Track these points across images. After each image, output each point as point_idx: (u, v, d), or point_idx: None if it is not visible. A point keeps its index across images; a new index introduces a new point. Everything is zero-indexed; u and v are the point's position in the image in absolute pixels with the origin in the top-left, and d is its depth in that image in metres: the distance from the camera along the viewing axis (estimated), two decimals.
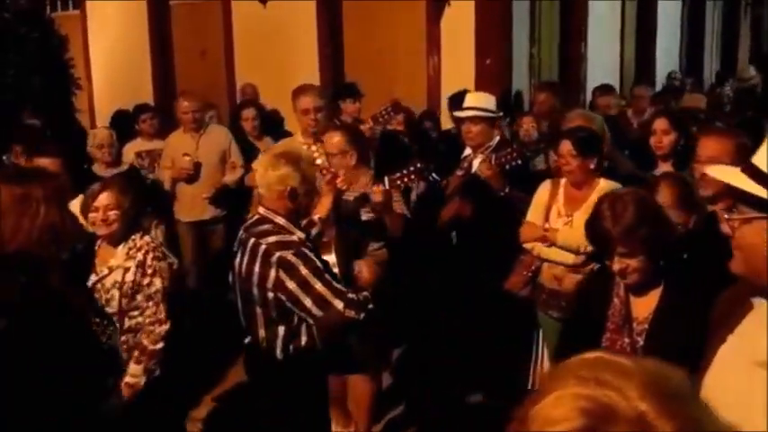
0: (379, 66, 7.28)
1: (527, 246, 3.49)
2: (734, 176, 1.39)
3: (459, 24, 6.72)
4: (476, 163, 3.92)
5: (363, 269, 2.99)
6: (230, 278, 2.86)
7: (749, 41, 14.57)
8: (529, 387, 4.11)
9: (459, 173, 4.03)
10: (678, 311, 2.06)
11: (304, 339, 2.72)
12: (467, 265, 4.05)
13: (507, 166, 3.70)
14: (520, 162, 3.74)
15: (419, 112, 6.35)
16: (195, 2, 8.75)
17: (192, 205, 5.12)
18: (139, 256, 2.94)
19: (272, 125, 5.99)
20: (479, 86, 6.47)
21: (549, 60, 7.96)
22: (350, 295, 2.64)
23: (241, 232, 2.81)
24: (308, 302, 2.57)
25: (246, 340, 2.84)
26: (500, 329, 4.23)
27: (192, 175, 5.04)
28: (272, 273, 2.57)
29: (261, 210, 2.72)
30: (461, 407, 4.09)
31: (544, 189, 3.55)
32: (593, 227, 2.13)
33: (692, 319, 1.91)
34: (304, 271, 2.57)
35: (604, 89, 6.78)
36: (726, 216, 1.44)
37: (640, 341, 2.12)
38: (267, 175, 2.66)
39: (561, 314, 3.37)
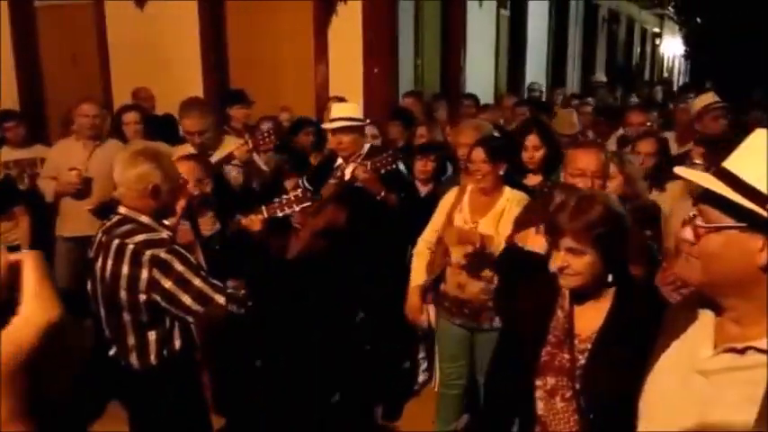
0: (265, 73, 7.20)
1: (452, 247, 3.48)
2: (708, 181, 1.33)
3: (346, 32, 6.79)
4: (348, 171, 3.93)
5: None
6: (89, 286, 2.66)
7: (605, 55, 15.80)
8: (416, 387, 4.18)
9: (333, 181, 4.02)
10: (624, 335, 1.92)
11: (178, 343, 2.61)
12: (346, 274, 3.98)
13: (383, 171, 3.76)
14: (395, 167, 3.81)
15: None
16: (64, 3, 8.23)
17: (78, 220, 4.77)
18: None
19: (165, 131, 5.70)
20: (367, 94, 6.59)
21: (431, 70, 8.21)
22: (229, 290, 2.58)
23: (99, 235, 2.63)
24: (187, 300, 2.46)
25: (111, 352, 2.64)
26: (388, 335, 4.23)
27: (80, 189, 4.66)
28: (145, 273, 2.44)
29: (122, 210, 2.59)
30: (347, 415, 4.07)
31: (449, 196, 3.59)
32: (552, 214, 2.01)
33: (640, 343, 1.80)
34: (180, 268, 2.46)
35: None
36: (697, 222, 1.35)
37: (582, 359, 1.99)
38: (126, 173, 2.55)
39: (464, 321, 3.45)
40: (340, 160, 4.10)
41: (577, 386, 1.96)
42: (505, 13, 10.10)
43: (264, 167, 4.59)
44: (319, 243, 3.96)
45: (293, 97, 6.87)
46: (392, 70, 6.88)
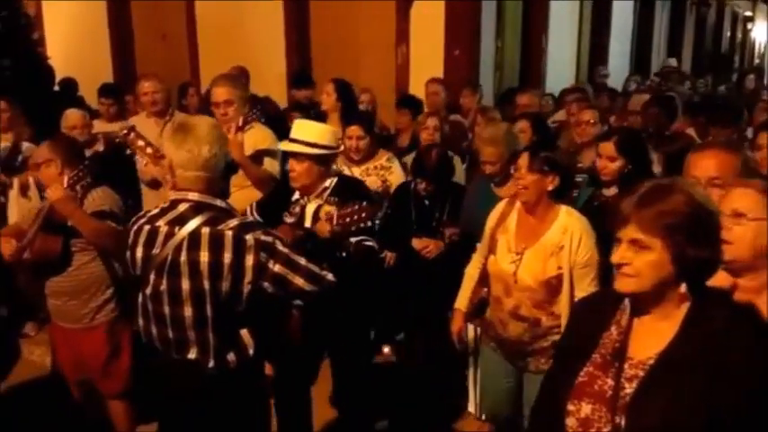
0: (347, 54, 7.30)
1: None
2: None
3: (428, 14, 6.80)
4: (309, 211, 3.04)
5: None
6: (152, 285, 2.30)
7: (693, 39, 15.20)
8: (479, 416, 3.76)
9: (289, 220, 3.14)
10: (692, 363, 1.52)
11: (262, 334, 2.41)
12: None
13: (353, 228, 2.77)
14: (369, 224, 2.82)
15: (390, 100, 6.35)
16: None
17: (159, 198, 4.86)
18: None
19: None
20: (447, 77, 6.58)
21: (512, 53, 8.14)
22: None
23: (163, 226, 2.30)
24: (299, 281, 2.30)
25: (192, 355, 2.34)
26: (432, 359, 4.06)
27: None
28: (251, 259, 2.23)
29: (191, 196, 2.29)
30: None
31: (495, 212, 3.04)
32: (620, 201, 1.63)
33: (713, 377, 1.47)
34: (284, 249, 2.30)
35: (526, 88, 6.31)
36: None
37: (628, 388, 1.58)
38: (213, 154, 2.27)
39: (507, 355, 3.02)
40: (298, 194, 3.20)
41: (619, 420, 1.56)
42: None
43: None
44: None
45: (374, 78, 6.93)
46: (473, 53, 6.86)
